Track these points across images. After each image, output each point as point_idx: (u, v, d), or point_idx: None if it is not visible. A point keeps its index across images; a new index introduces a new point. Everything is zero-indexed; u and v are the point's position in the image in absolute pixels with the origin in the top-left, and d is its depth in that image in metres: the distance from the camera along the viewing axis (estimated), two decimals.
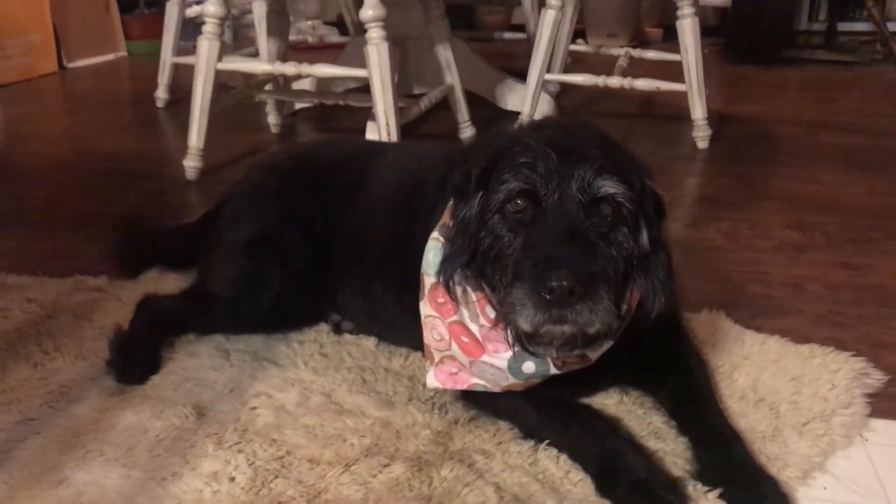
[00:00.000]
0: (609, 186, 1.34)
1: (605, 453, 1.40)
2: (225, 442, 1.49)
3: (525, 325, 1.29)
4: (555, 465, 1.43)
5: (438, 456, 1.45)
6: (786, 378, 1.65)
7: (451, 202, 1.51)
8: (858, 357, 1.73)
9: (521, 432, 1.52)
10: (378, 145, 2.44)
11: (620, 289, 1.38)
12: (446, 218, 1.52)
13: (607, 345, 1.43)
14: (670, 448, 1.47)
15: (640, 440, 1.49)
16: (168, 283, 2.08)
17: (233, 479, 1.40)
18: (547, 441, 1.47)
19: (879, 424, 1.56)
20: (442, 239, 1.51)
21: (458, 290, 1.45)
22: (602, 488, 1.36)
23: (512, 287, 1.31)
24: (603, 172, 1.34)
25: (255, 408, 1.60)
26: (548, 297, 1.24)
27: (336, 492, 1.37)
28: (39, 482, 1.40)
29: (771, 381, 1.65)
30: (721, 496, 1.32)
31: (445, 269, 1.45)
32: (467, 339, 1.47)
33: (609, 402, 1.60)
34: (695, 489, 1.35)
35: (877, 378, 1.68)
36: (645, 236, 1.39)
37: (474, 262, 1.42)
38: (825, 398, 1.59)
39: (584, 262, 1.27)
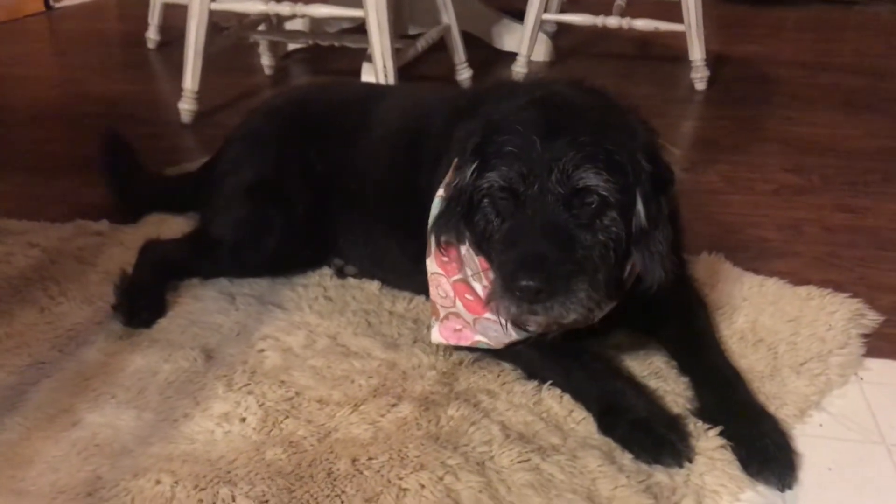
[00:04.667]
0: (589, 178, 1.31)
1: (607, 394, 1.43)
2: (234, 384, 1.52)
3: (503, 313, 1.35)
4: (558, 404, 1.46)
5: (444, 396, 1.49)
6: (784, 319, 1.69)
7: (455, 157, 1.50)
8: (855, 298, 1.76)
9: (524, 374, 1.54)
10: (378, 88, 2.41)
11: (621, 263, 1.39)
12: (451, 175, 1.51)
13: (609, 307, 1.43)
14: (671, 387, 1.51)
15: (641, 380, 1.53)
16: (170, 227, 2.07)
17: (244, 419, 1.43)
18: (550, 382, 1.50)
19: (874, 364, 1.60)
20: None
21: (463, 249, 1.47)
22: (604, 427, 1.40)
23: (494, 274, 1.37)
24: (585, 162, 1.31)
25: (262, 350, 1.62)
26: (518, 294, 1.28)
27: (346, 431, 1.40)
28: (53, 424, 1.43)
29: (769, 322, 1.68)
30: (721, 433, 1.36)
31: (437, 228, 1.47)
32: (471, 297, 1.49)
33: (610, 343, 1.62)
34: (695, 427, 1.39)
35: (872, 319, 1.72)
36: (643, 214, 1.36)
37: (472, 234, 1.45)
38: (822, 339, 1.63)
39: (556, 260, 1.28)
